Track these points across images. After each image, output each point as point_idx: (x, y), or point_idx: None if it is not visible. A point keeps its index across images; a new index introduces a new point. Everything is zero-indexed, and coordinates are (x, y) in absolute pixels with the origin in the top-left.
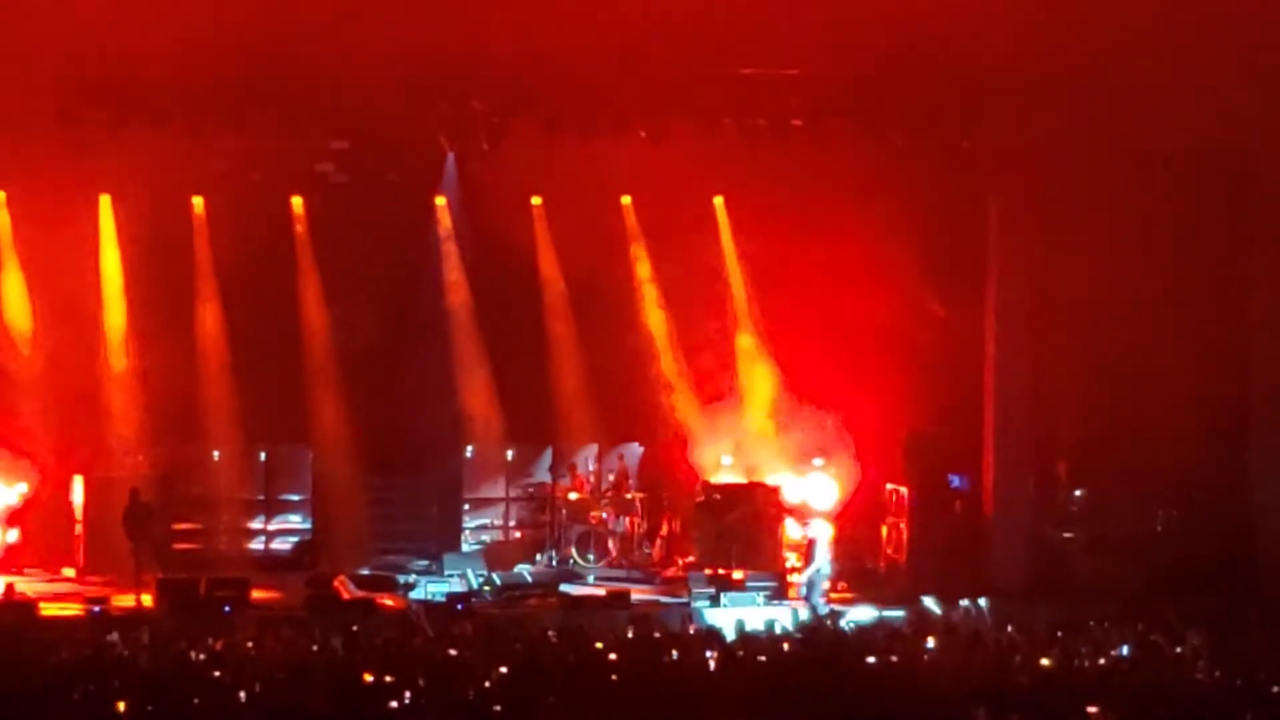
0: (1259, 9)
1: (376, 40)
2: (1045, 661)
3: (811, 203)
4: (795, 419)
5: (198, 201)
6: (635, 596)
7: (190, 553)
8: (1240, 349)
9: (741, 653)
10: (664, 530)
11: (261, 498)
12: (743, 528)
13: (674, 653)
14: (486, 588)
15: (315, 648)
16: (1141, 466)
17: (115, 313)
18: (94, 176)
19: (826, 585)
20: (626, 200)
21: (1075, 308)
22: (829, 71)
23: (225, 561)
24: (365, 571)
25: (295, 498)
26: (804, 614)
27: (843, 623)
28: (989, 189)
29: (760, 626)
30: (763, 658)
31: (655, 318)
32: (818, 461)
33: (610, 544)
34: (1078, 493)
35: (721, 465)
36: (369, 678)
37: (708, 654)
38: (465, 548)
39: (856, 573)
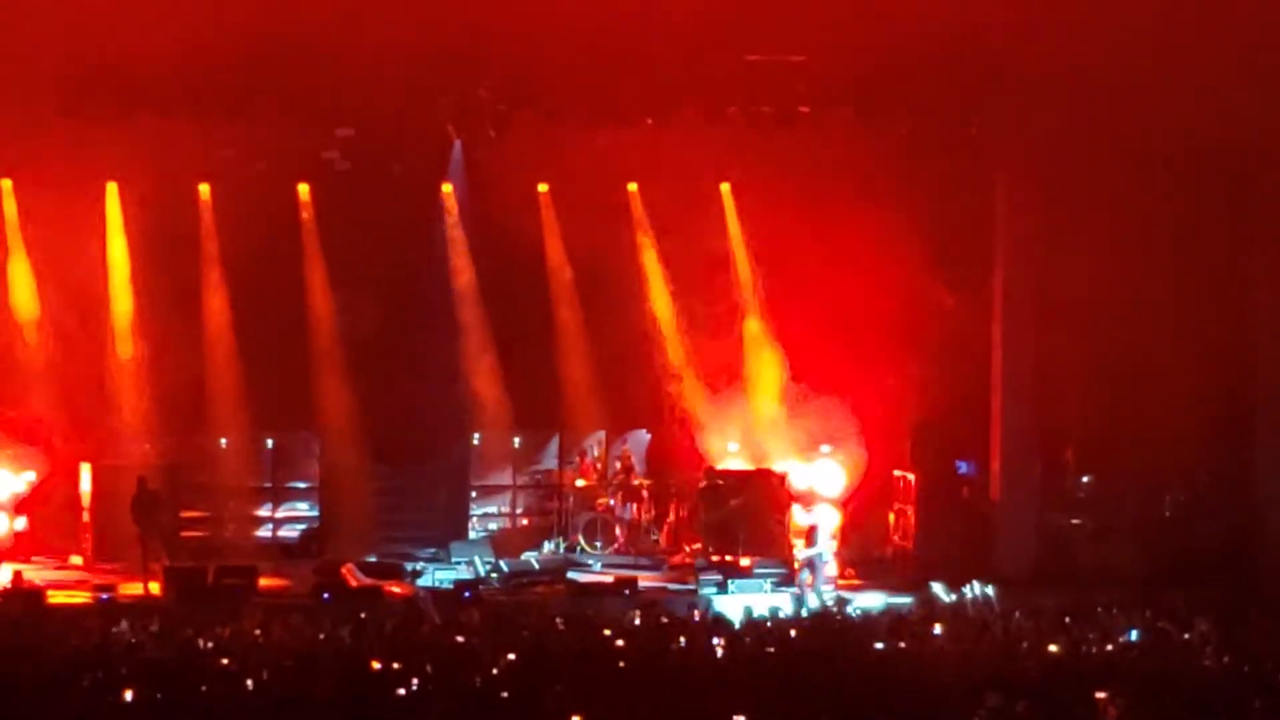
0: (1265, 3)
1: (383, 28)
2: (1053, 648)
3: (818, 189)
4: (802, 406)
5: (204, 189)
6: (642, 583)
7: (198, 540)
8: (1246, 336)
9: (749, 639)
10: (671, 517)
11: (269, 485)
12: (748, 514)
13: (682, 639)
14: (494, 575)
15: (322, 635)
16: (1148, 453)
17: (122, 301)
18: (100, 165)
19: (831, 572)
20: (633, 187)
21: (1082, 295)
22: (835, 59)
23: (233, 549)
24: (373, 559)
25: (302, 485)
26: (811, 601)
27: (850, 609)
28: (995, 176)
29: (763, 613)
30: (771, 647)
31: (662, 304)
32: (825, 448)
33: (617, 531)
34: (1085, 479)
35: (729, 452)
36: (376, 665)
37: (715, 641)
38: (472, 535)
39: (864, 559)
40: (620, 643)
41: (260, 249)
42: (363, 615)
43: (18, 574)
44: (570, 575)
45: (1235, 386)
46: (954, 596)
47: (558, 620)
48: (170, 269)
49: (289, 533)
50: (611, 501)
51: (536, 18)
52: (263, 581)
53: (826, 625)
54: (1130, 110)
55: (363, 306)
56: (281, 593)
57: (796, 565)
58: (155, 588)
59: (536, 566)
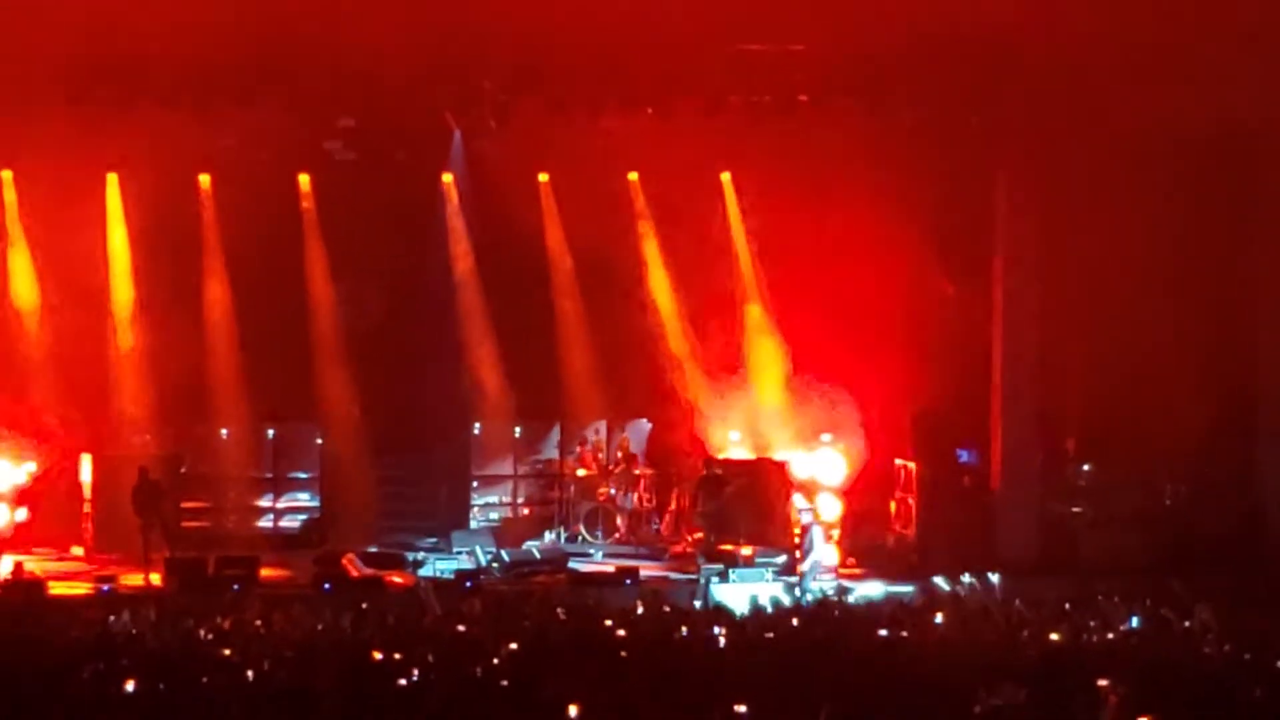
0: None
1: (383, 18)
2: (1054, 636)
3: (818, 179)
4: (803, 395)
5: (205, 179)
6: (644, 573)
7: (199, 531)
8: (1248, 324)
9: (750, 629)
10: (672, 506)
11: (270, 476)
12: (747, 503)
13: (683, 629)
14: (495, 565)
15: (323, 626)
16: (1149, 441)
17: (122, 291)
18: (101, 155)
19: (831, 562)
20: (634, 177)
21: (1083, 284)
22: (835, 47)
23: (234, 540)
24: (374, 549)
25: (303, 475)
26: (804, 595)
27: (852, 598)
28: (997, 165)
29: (758, 603)
30: (772, 635)
31: (663, 294)
32: (826, 437)
33: (619, 520)
34: (1086, 467)
35: (730, 441)
36: (378, 655)
37: (716, 630)
38: (474, 525)
39: (865, 548)
40: (621, 632)
41: (261, 239)
42: (364, 605)
43: (19, 565)
44: (571, 565)
45: (1236, 374)
46: (955, 585)
47: (559, 610)
48: (171, 259)
49: (290, 523)
50: (613, 491)
51: (537, 7)
52: (264, 572)
53: (828, 614)
54: (1132, 101)
55: (364, 297)
56: (283, 583)
57: (796, 556)
58: (156, 578)
59: (538, 556)
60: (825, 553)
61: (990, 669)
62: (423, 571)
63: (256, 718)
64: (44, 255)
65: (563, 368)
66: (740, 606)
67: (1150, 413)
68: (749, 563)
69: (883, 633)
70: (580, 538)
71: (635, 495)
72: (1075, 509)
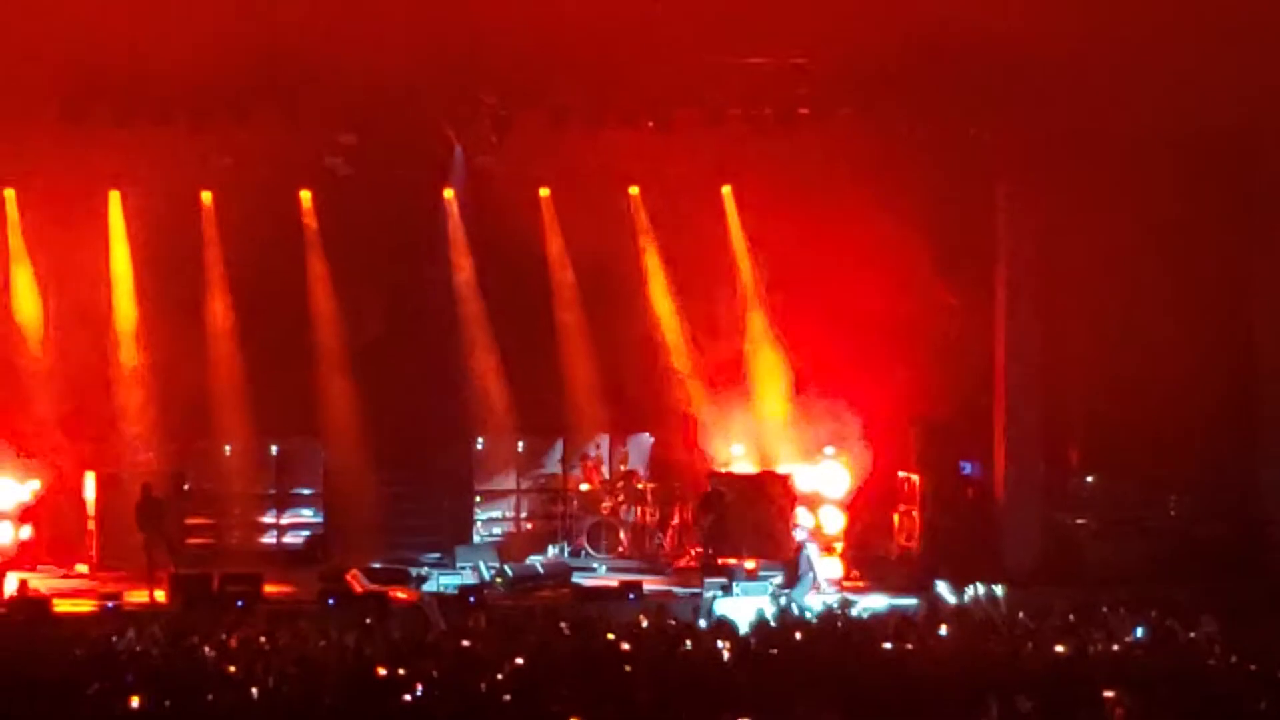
0: (1266, 6)
1: (383, 34)
2: (1059, 648)
3: (820, 191)
4: (806, 407)
5: (206, 196)
6: (648, 587)
7: (203, 548)
8: (1250, 335)
9: (754, 642)
10: (675, 520)
11: (273, 492)
12: (748, 517)
13: (687, 643)
14: (498, 580)
15: (328, 642)
16: (1152, 451)
17: (125, 309)
18: (102, 172)
19: (834, 575)
20: (634, 191)
21: (1085, 294)
22: (836, 60)
23: (238, 556)
24: (377, 565)
25: (306, 491)
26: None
27: (856, 611)
28: (996, 176)
29: (762, 617)
30: (776, 650)
31: (665, 308)
32: (829, 450)
33: (622, 535)
34: (1089, 478)
35: (733, 455)
36: (382, 671)
37: (720, 644)
38: (477, 540)
39: (869, 561)
40: (625, 646)
41: (263, 255)
42: (368, 621)
43: (23, 583)
44: (575, 579)
45: (1239, 385)
46: (959, 597)
47: (563, 624)
48: (173, 276)
49: (294, 539)
50: (615, 505)
51: (536, 22)
52: (268, 588)
53: (832, 628)
54: (1131, 110)
55: (366, 312)
56: (287, 599)
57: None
58: (161, 595)
59: (541, 571)
60: (821, 571)
61: (995, 681)
62: (427, 587)
63: None
64: (46, 272)
65: (565, 382)
66: (744, 620)
67: (1153, 423)
68: (752, 576)
69: (887, 645)
70: (583, 552)
71: (638, 509)
72: (1079, 520)
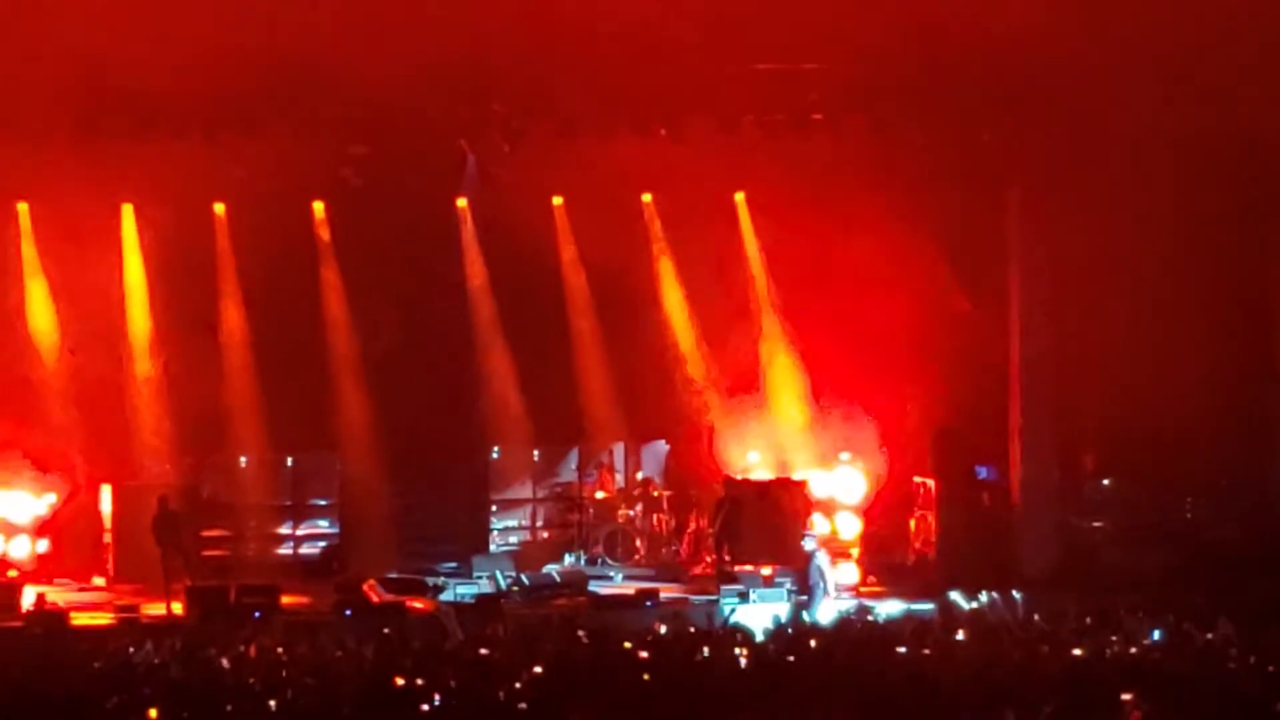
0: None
1: (394, 44)
2: (1076, 651)
3: (833, 197)
4: (821, 414)
5: (220, 208)
6: (664, 595)
7: (219, 559)
8: (1265, 337)
9: (772, 649)
10: (691, 528)
11: (289, 503)
12: (765, 523)
13: (705, 650)
14: (515, 589)
15: (345, 653)
16: (1168, 455)
17: (139, 321)
18: (115, 186)
19: (850, 581)
20: (648, 198)
21: (1098, 298)
22: (848, 66)
23: (254, 568)
24: (394, 575)
25: (323, 502)
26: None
27: (872, 617)
28: (1010, 181)
29: (779, 624)
30: (793, 656)
31: (679, 316)
32: (845, 456)
33: (638, 542)
34: (1105, 482)
35: (748, 462)
36: (400, 681)
37: (737, 651)
38: (493, 549)
39: (885, 566)
40: (643, 654)
41: (277, 267)
42: (385, 631)
43: (40, 596)
44: (591, 587)
45: (1255, 388)
46: (973, 603)
47: (580, 633)
48: (187, 289)
49: (310, 550)
50: (631, 513)
51: (547, 31)
52: (285, 599)
53: (849, 634)
54: (1143, 114)
55: (380, 323)
56: (304, 610)
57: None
58: (178, 607)
59: (558, 579)
60: (831, 581)
61: (1012, 685)
62: (443, 596)
63: None
64: (61, 286)
65: (580, 390)
66: (761, 627)
67: (1169, 426)
68: (769, 583)
69: (903, 651)
70: (600, 560)
71: (654, 517)
72: (1095, 524)
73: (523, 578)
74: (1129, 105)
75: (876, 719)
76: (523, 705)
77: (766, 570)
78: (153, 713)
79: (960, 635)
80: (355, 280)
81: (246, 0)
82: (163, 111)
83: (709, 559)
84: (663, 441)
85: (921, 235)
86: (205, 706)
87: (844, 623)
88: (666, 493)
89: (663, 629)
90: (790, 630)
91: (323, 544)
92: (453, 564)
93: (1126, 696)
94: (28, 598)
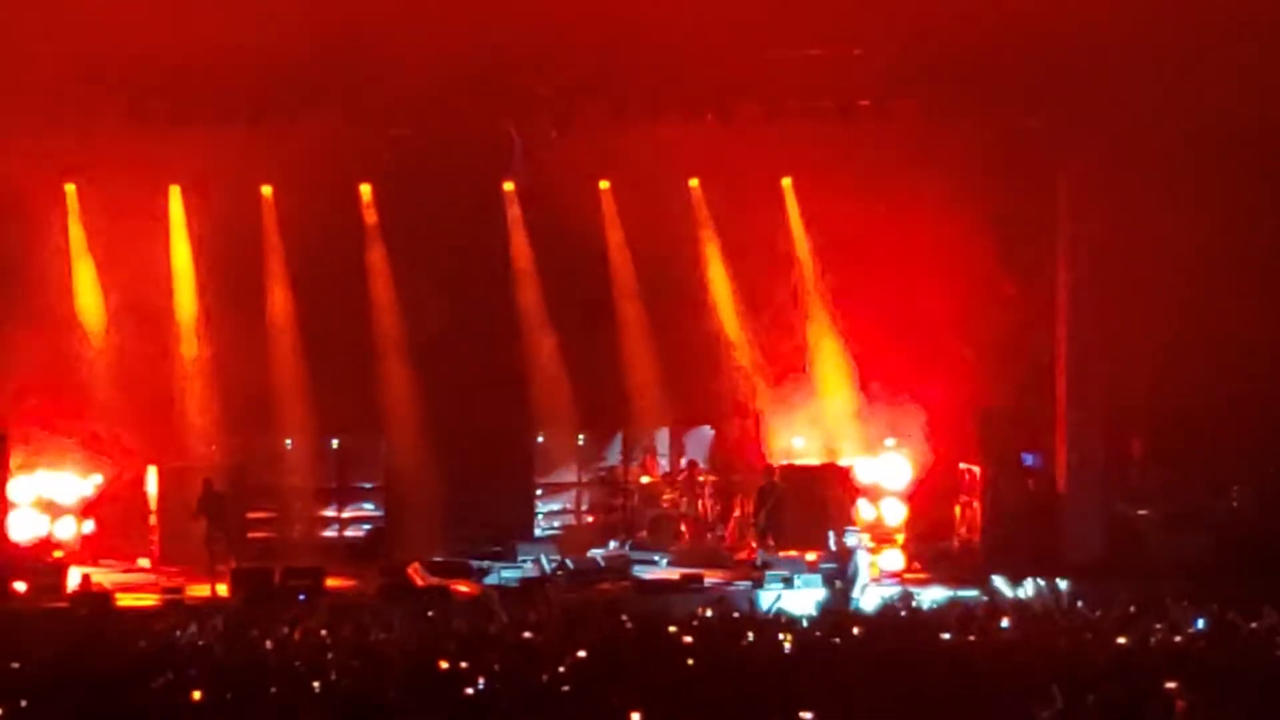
0: None
1: (441, 27)
2: (1121, 639)
3: (880, 182)
4: (868, 400)
5: (267, 190)
6: (708, 580)
7: (264, 542)
8: None
9: (817, 634)
10: (736, 513)
11: (334, 486)
12: (809, 510)
13: (750, 635)
14: (560, 573)
15: (389, 635)
16: (1215, 442)
17: (186, 304)
18: (162, 168)
19: (895, 568)
20: (694, 183)
21: (1146, 283)
22: (895, 51)
23: (299, 550)
24: (439, 558)
25: (368, 485)
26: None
27: (917, 603)
28: (1058, 165)
29: (823, 609)
30: (838, 642)
31: (725, 300)
32: (890, 442)
33: (682, 527)
34: (1151, 469)
35: (794, 447)
36: (444, 664)
37: (781, 637)
38: (538, 533)
39: (930, 553)
40: (687, 639)
41: (323, 250)
42: (430, 614)
43: (86, 577)
44: (636, 572)
45: None
46: (1018, 589)
47: (624, 618)
48: (234, 271)
49: (355, 533)
50: (676, 498)
51: (595, 15)
52: (330, 582)
53: (893, 620)
54: (1194, 97)
55: (426, 306)
56: (348, 593)
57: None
58: (223, 589)
59: (602, 564)
60: (866, 577)
61: (1057, 673)
62: (488, 580)
63: None
64: (108, 268)
65: (625, 374)
66: (805, 613)
67: (1216, 413)
68: (813, 569)
69: (947, 638)
70: (644, 545)
71: (699, 502)
72: (1141, 511)
73: (567, 562)
74: (1179, 88)
75: (920, 705)
76: (566, 689)
77: (811, 556)
78: (197, 694)
79: (1004, 623)
80: (401, 263)
81: None
82: (210, 94)
83: (753, 544)
84: (708, 427)
85: (969, 220)
86: (249, 688)
87: (888, 609)
88: (711, 478)
89: (707, 614)
90: (834, 617)
91: (368, 527)
92: (497, 548)
93: (1171, 685)
94: (73, 579)
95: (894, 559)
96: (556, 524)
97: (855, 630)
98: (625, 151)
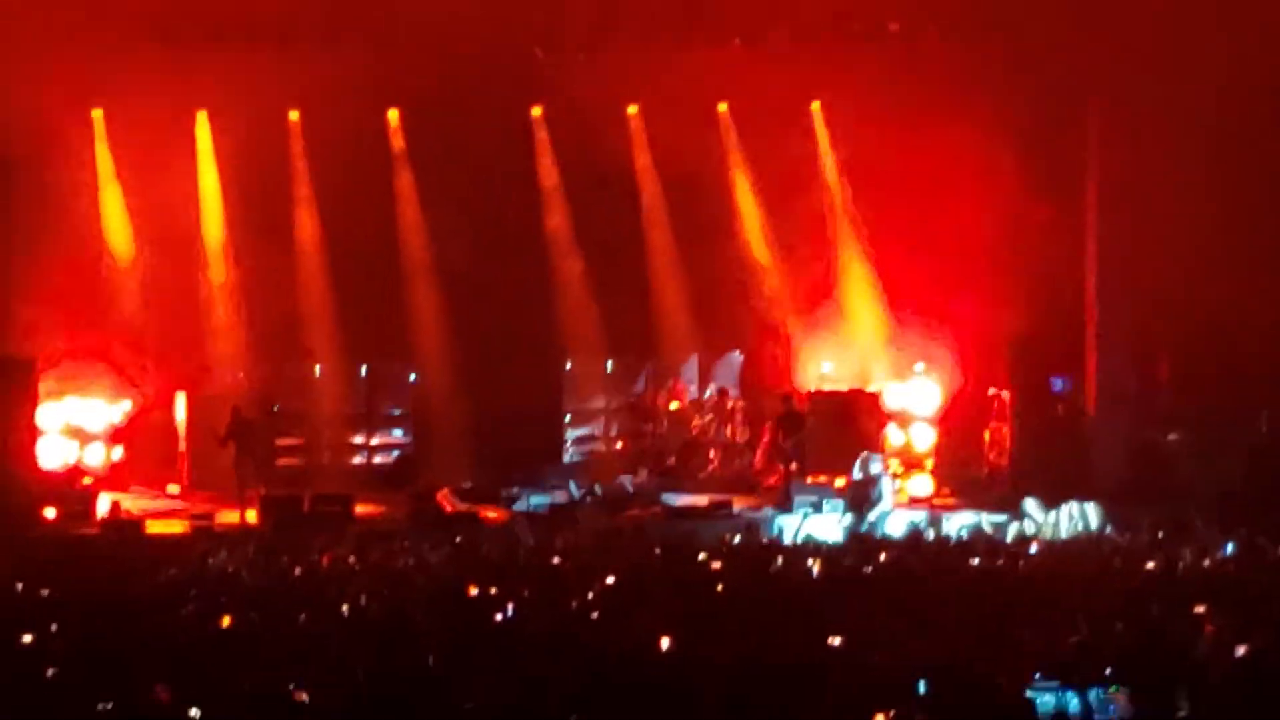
0: None
1: None
2: (1149, 564)
3: (909, 107)
4: (897, 325)
5: (294, 115)
6: (737, 506)
7: (293, 468)
8: None
9: (846, 560)
10: (765, 439)
11: (363, 412)
12: (835, 436)
13: (779, 559)
14: (588, 499)
15: (418, 561)
16: (1244, 367)
17: (214, 230)
18: (190, 93)
19: (925, 492)
20: (723, 107)
21: (1177, 209)
22: None
23: (328, 477)
24: (468, 485)
25: (397, 412)
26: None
27: (944, 528)
28: (1090, 91)
29: (851, 534)
30: (868, 567)
31: (754, 226)
32: (919, 367)
33: (711, 453)
34: (1180, 394)
35: (824, 373)
36: (473, 590)
37: (810, 562)
38: (567, 459)
39: (959, 478)
40: (716, 565)
41: (351, 175)
42: (459, 540)
43: (115, 504)
44: (664, 498)
45: None
46: (1048, 514)
47: (653, 544)
48: (262, 196)
49: (384, 459)
50: (705, 423)
51: None
52: (358, 508)
53: (921, 545)
54: (1226, 24)
55: (454, 232)
56: (377, 519)
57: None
58: (252, 516)
59: (631, 490)
60: (889, 501)
61: (1085, 597)
62: (517, 506)
63: (352, 653)
64: (135, 194)
65: (654, 300)
66: (833, 538)
67: (1245, 338)
68: (842, 495)
69: (976, 563)
70: (673, 471)
71: (728, 428)
72: (1170, 435)
73: (596, 488)
74: (1211, 14)
75: (948, 630)
76: (595, 615)
77: (840, 482)
78: (226, 620)
79: (1033, 548)
80: (429, 188)
81: None
82: (238, 18)
83: (782, 470)
84: (737, 352)
85: (999, 144)
86: (278, 614)
87: (916, 534)
88: (740, 404)
89: (736, 540)
90: (860, 542)
91: (396, 453)
92: (526, 474)
93: (1200, 609)
94: (103, 505)
95: (923, 484)
96: (585, 450)
97: (883, 556)
98: (654, 76)
